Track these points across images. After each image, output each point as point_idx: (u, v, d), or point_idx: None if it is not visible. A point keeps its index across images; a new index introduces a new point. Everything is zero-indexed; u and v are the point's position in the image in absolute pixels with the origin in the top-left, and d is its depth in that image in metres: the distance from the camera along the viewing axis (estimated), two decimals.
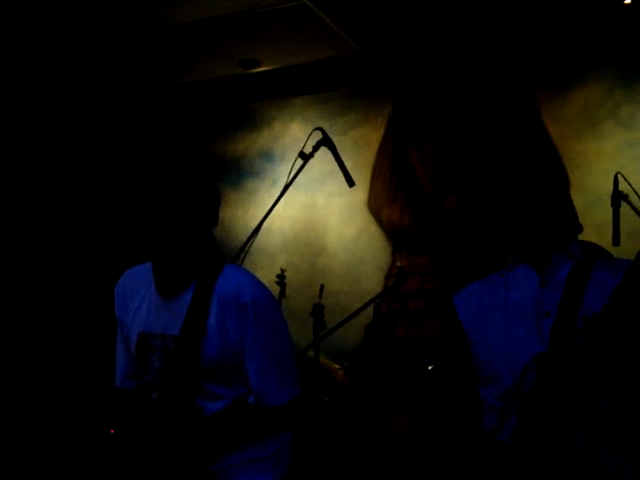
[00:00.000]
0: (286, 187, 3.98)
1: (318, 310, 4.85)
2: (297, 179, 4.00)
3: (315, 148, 4.04)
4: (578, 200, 5.08)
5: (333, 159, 4.12)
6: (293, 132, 6.55)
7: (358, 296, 5.72)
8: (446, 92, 5.92)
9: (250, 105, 6.77)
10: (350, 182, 4.12)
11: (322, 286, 5.12)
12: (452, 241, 5.71)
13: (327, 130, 4.12)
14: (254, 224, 3.92)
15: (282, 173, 6.35)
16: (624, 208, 3.89)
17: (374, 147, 6.17)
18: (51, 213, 6.72)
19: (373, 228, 6.10)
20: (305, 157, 4.01)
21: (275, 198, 3.97)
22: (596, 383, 2.23)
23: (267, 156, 6.66)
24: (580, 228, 2.57)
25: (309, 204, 6.34)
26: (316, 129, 4.10)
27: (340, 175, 4.14)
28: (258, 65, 6.20)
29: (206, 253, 2.55)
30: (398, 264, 4.94)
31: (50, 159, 6.83)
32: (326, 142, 4.06)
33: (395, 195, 6.01)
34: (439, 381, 2.79)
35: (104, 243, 6.73)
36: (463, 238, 5.63)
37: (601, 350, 2.16)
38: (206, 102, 6.95)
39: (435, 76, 5.98)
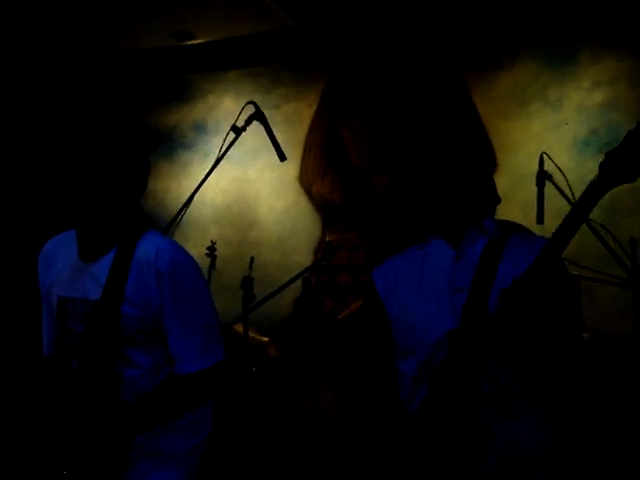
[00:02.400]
0: (218, 160, 3.99)
1: (248, 282, 4.87)
2: (229, 152, 4.01)
3: (247, 122, 4.05)
4: (504, 179, 5.29)
5: (265, 133, 4.15)
6: (226, 105, 6.56)
7: (288, 269, 5.76)
8: (377, 69, 5.98)
9: (184, 77, 6.75)
10: (281, 156, 4.15)
11: (252, 258, 5.15)
12: (380, 217, 5.79)
13: (260, 104, 4.14)
14: (186, 196, 3.93)
15: (215, 146, 6.34)
16: (548, 188, 3.98)
17: (306, 122, 6.22)
18: None
19: (303, 202, 6.16)
20: (237, 131, 4.03)
21: (207, 170, 3.99)
22: (499, 354, 2.31)
23: (200, 128, 6.66)
24: (498, 200, 2.62)
25: (241, 177, 6.37)
26: (249, 103, 4.11)
27: (272, 149, 4.17)
28: (192, 37, 6.20)
29: (130, 219, 2.55)
30: (327, 239, 4.98)
31: None
32: (258, 116, 4.08)
33: (326, 171, 6.07)
34: (357, 352, 2.83)
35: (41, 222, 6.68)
36: (391, 215, 5.71)
37: (507, 324, 2.24)
38: (140, 73, 6.90)
39: (367, 53, 6.03)
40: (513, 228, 2.58)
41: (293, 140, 6.10)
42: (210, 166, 3.98)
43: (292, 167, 6.11)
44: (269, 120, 4.14)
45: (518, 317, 2.19)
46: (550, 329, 2.33)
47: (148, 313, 2.47)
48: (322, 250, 5.64)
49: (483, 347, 2.26)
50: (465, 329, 2.32)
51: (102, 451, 2.44)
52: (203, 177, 3.96)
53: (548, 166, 3.99)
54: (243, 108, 4.09)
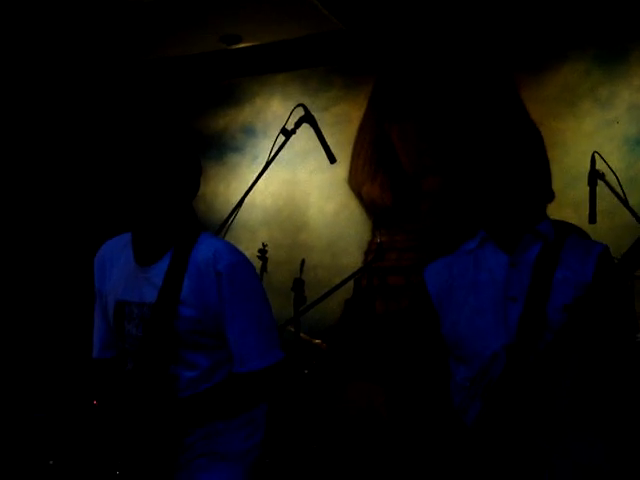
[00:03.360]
0: (268, 163, 3.99)
1: (299, 285, 4.86)
2: (279, 155, 4.02)
3: (297, 124, 4.05)
4: (556, 179, 5.23)
5: (314, 135, 4.14)
6: (275, 108, 6.57)
7: (338, 271, 5.76)
8: (427, 71, 5.95)
9: (232, 81, 6.78)
10: (331, 159, 4.14)
11: (303, 261, 5.14)
12: (430, 219, 5.76)
13: (309, 106, 4.14)
14: (235, 199, 3.94)
15: (263, 148, 6.37)
16: (600, 187, 3.94)
17: (355, 124, 6.21)
18: (33, 198, 6.72)
19: (353, 204, 6.15)
20: (287, 133, 4.03)
21: (256, 173, 3.99)
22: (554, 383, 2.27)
23: (249, 131, 6.68)
24: (551, 197, 2.57)
25: (290, 180, 6.38)
26: (298, 105, 4.11)
27: (321, 151, 4.16)
28: (240, 41, 6.21)
29: (184, 222, 2.56)
30: (377, 240, 4.96)
31: (26, 140, 6.81)
32: (308, 118, 4.08)
33: (375, 173, 6.05)
34: (407, 352, 2.80)
35: (88, 223, 6.74)
36: (441, 217, 5.68)
37: (566, 352, 2.20)
38: (189, 77, 6.95)
39: (416, 55, 6.00)
40: (568, 231, 2.52)
41: (342, 142, 6.09)
42: (259, 169, 3.99)
43: (341, 169, 6.10)
44: (318, 122, 4.13)
45: (582, 336, 2.17)
46: (605, 336, 2.30)
47: (207, 315, 2.48)
48: (372, 252, 5.64)
49: (543, 367, 2.23)
50: (522, 344, 2.29)
51: (155, 451, 2.45)
52: (253, 180, 3.98)
53: (600, 165, 3.95)
54: (293, 111, 4.08)
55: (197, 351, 2.53)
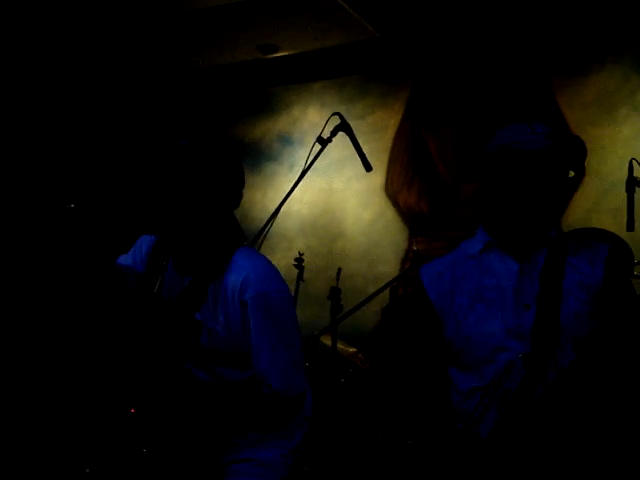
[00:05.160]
0: (304, 171, 4.00)
1: (335, 293, 4.84)
2: (315, 163, 4.02)
3: (333, 133, 4.05)
4: (594, 185, 5.20)
5: (350, 143, 4.14)
6: (311, 117, 6.59)
7: (375, 279, 5.75)
8: (463, 77, 5.93)
9: (269, 90, 6.81)
10: (367, 167, 4.13)
11: (339, 269, 5.12)
12: (467, 227, 5.72)
13: (345, 114, 4.14)
14: (272, 208, 3.94)
15: (300, 157, 6.39)
16: (638, 194, 3.89)
17: (391, 131, 6.20)
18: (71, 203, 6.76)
19: (390, 212, 6.13)
20: (323, 142, 4.03)
21: (293, 182, 3.99)
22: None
23: (285, 140, 6.70)
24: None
25: (327, 188, 6.38)
26: (334, 114, 4.11)
27: (357, 159, 4.15)
28: (277, 50, 6.24)
29: (223, 235, 2.55)
30: (415, 248, 4.94)
31: (73, 146, 6.89)
32: (344, 127, 4.08)
33: (412, 180, 6.04)
34: (407, 359, 2.74)
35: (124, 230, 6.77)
36: (478, 224, 5.63)
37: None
38: (226, 87, 6.98)
39: (452, 61, 5.99)
40: (574, 234, 2.51)
41: (378, 150, 6.08)
42: (295, 178, 3.99)
43: (378, 177, 6.09)
44: (354, 130, 4.12)
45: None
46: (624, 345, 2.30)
47: (232, 339, 2.48)
48: (409, 260, 5.62)
49: (565, 381, 2.21)
50: (539, 352, 2.26)
51: (194, 456, 2.46)
52: (290, 189, 3.98)
53: (638, 172, 3.90)
54: (329, 119, 4.09)
55: (226, 367, 2.54)
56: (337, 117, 4.09)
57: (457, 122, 5.89)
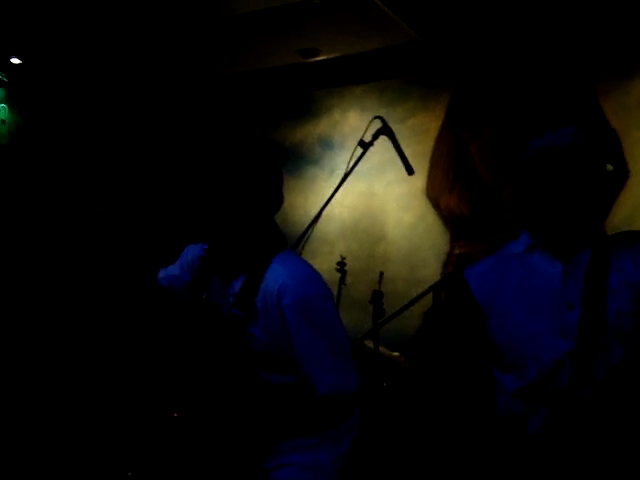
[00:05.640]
0: (346, 175, 4.01)
1: (377, 297, 4.82)
2: (356, 167, 4.02)
3: (375, 136, 4.06)
4: (638, 189, 5.11)
5: (391, 147, 4.13)
6: (351, 120, 6.58)
7: (416, 283, 5.73)
8: (504, 80, 5.89)
9: (309, 93, 6.82)
10: (409, 170, 4.14)
11: (381, 273, 5.10)
12: (509, 230, 5.68)
13: (385, 118, 4.14)
14: (313, 212, 3.95)
15: (340, 161, 6.40)
16: None
17: (432, 135, 6.17)
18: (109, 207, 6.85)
19: (431, 216, 6.10)
20: (365, 145, 4.04)
21: (333, 186, 4.00)
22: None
23: (326, 144, 6.70)
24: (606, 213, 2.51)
25: (367, 192, 6.37)
26: (376, 117, 4.12)
27: (398, 163, 4.15)
28: (317, 54, 6.23)
29: (263, 240, 2.55)
30: (457, 251, 4.91)
31: (115, 150, 6.96)
32: (385, 130, 4.09)
33: (453, 183, 6.01)
34: (453, 359, 2.74)
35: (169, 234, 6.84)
36: (520, 227, 5.58)
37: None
38: (266, 90, 7.00)
39: (493, 64, 5.94)
40: (617, 236, 2.47)
41: (419, 153, 6.06)
42: (336, 182, 4.00)
43: (419, 180, 6.06)
44: (395, 134, 4.12)
45: None
46: None
47: (273, 344, 2.48)
48: (451, 263, 5.59)
49: (615, 379, 2.20)
50: (585, 351, 2.26)
51: (239, 461, 2.48)
52: (331, 193, 3.99)
53: None
54: (370, 123, 4.09)
55: (272, 372, 2.54)
56: (379, 121, 4.10)
57: (499, 125, 5.85)
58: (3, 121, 6.37)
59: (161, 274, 2.98)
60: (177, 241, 3.07)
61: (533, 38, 5.72)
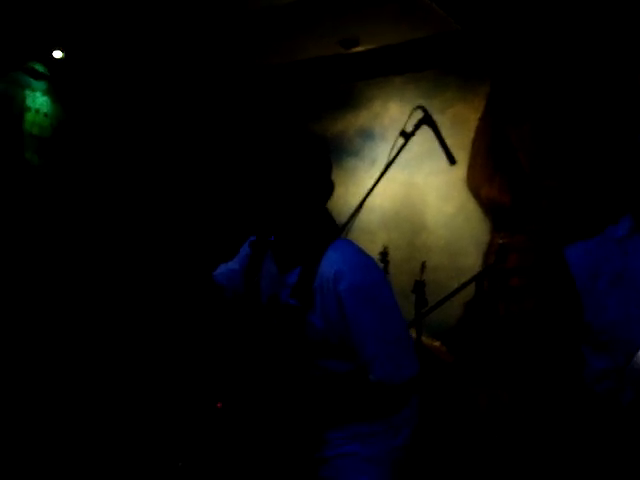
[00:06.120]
0: (388, 165, 4.02)
1: (420, 287, 4.81)
2: (396, 158, 4.03)
3: (416, 126, 4.06)
4: None
5: (431, 137, 4.14)
6: (391, 111, 6.57)
7: (457, 272, 5.72)
8: (545, 71, 5.85)
9: (349, 85, 6.82)
10: (451, 160, 4.14)
11: (424, 263, 5.07)
12: (551, 220, 5.66)
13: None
14: (354, 202, 3.96)
15: (381, 152, 6.40)
16: None
17: (472, 125, 6.15)
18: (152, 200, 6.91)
19: (471, 205, 6.09)
20: (406, 135, 4.04)
21: (374, 177, 4.01)
22: None
23: (366, 135, 6.71)
24: None
25: (408, 182, 6.37)
26: (417, 107, 4.12)
27: (438, 153, 4.16)
28: (357, 44, 6.24)
29: (318, 229, 2.56)
30: (500, 241, 4.88)
31: (153, 143, 7.02)
32: (427, 120, 4.09)
33: (493, 174, 5.99)
34: (544, 331, 2.74)
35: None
36: (562, 218, 5.56)
37: None
38: (306, 82, 7.02)
39: (533, 56, 5.90)
40: None
41: (459, 144, 6.03)
42: (377, 173, 4.01)
43: (459, 171, 6.04)
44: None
45: None
46: None
47: (332, 331, 2.47)
48: (492, 253, 5.58)
49: None
50: None
51: (297, 445, 2.51)
52: (373, 183, 4.00)
53: None
54: (411, 113, 4.10)
55: (331, 359, 2.54)
56: (420, 110, 4.10)
57: (540, 116, 5.82)
58: (46, 114, 6.43)
59: (220, 269, 2.98)
60: (235, 236, 3.09)
61: (573, 30, 5.67)
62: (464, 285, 4.83)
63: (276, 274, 2.64)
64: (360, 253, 2.56)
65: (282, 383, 2.58)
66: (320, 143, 2.61)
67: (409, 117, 4.09)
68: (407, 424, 2.64)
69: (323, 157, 2.60)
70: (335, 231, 2.62)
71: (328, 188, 2.60)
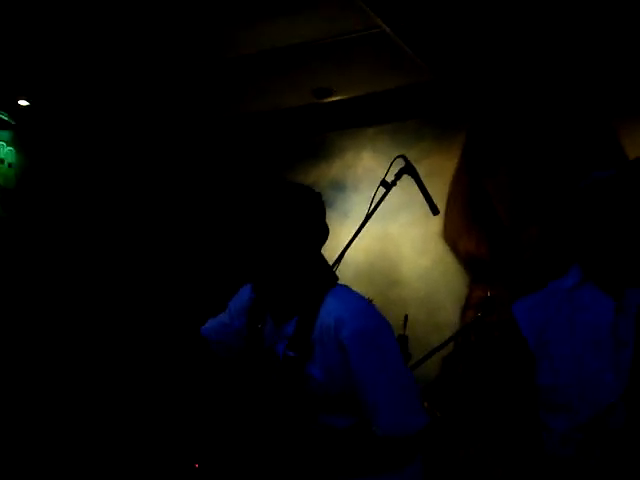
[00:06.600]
0: (368, 216, 3.98)
1: (403, 341, 4.74)
2: (371, 209, 3.97)
3: (397, 176, 4.03)
4: None
5: (408, 188, 4.10)
6: (365, 162, 6.49)
7: (434, 327, 5.65)
8: (521, 119, 5.82)
9: (321, 135, 6.75)
10: (434, 210, 4.11)
11: (406, 316, 4.98)
12: (530, 271, 5.58)
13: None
14: (327, 255, 3.87)
15: (354, 203, 6.29)
16: None
17: (448, 175, 6.08)
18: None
19: (448, 258, 5.99)
20: (387, 185, 3.99)
21: (347, 229, 3.96)
22: None
23: (338, 187, 6.60)
24: None
25: (383, 234, 6.23)
26: (398, 156, 4.09)
27: (414, 204, 4.15)
28: (331, 94, 6.18)
29: (313, 277, 2.48)
30: (489, 294, 4.82)
31: (118, 189, 6.92)
32: (409, 170, 4.05)
33: (471, 226, 5.92)
34: (502, 402, 2.69)
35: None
36: (542, 268, 5.49)
37: None
38: (278, 131, 6.94)
39: (509, 104, 5.88)
40: None
41: (436, 195, 5.82)
42: (350, 224, 3.98)
43: (434, 223, 5.94)
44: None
45: None
46: None
47: (334, 382, 2.38)
48: (472, 307, 5.49)
49: None
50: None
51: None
52: (351, 236, 3.95)
53: None
54: (392, 162, 4.05)
55: (329, 414, 2.44)
56: (401, 160, 4.05)
57: (516, 165, 5.78)
58: (10, 164, 6.29)
59: (209, 323, 2.88)
60: (221, 290, 3.01)
61: (549, 78, 5.68)
62: (452, 338, 4.77)
63: (272, 326, 2.55)
64: (361, 299, 2.50)
65: (282, 439, 2.50)
66: (311, 189, 2.57)
67: (390, 166, 4.03)
68: (410, 464, 2.49)
69: (316, 201, 2.55)
70: (332, 278, 2.56)
71: (323, 232, 2.54)
